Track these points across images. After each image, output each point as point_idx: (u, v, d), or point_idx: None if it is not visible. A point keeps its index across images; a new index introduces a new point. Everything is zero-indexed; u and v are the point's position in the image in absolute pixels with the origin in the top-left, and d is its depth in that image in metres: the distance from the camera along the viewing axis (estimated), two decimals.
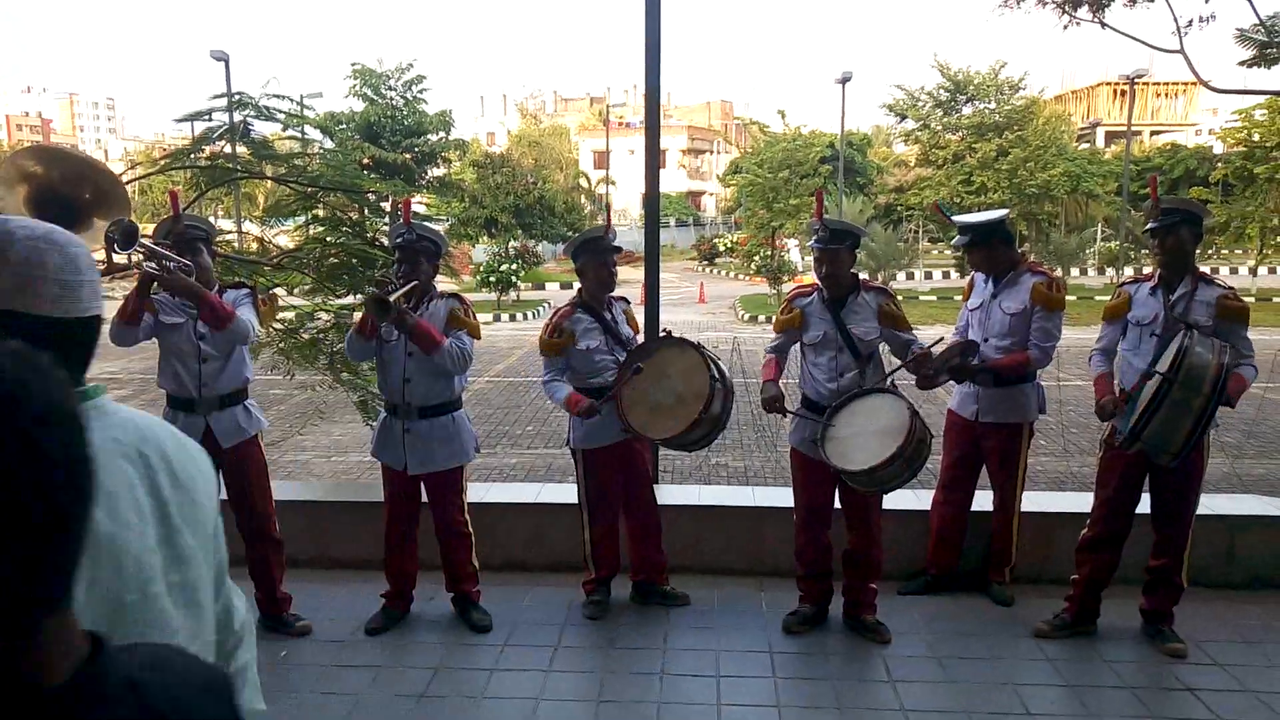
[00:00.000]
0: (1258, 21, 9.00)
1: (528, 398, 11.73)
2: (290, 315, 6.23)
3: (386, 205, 6.37)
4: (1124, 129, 33.54)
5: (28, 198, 4.33)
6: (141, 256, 3.78)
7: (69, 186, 4.51)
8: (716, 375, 4.07)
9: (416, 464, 4.13)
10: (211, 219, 4.96)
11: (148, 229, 4.56)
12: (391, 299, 3.81)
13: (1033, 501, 4.72)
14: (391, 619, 4.28)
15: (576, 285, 4.45)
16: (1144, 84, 46.09)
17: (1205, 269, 4.63)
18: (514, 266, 24.46)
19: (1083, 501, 4.41)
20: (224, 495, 4.17)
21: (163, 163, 7.67)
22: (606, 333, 4.32)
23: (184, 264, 3.87)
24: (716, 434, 4.21)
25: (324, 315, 6.25)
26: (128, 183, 8.86)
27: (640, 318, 4.73)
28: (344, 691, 3.70)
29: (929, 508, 4.71)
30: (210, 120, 6.90)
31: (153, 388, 13.47)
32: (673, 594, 4.52)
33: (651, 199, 5.28)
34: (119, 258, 4.34)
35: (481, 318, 25.03)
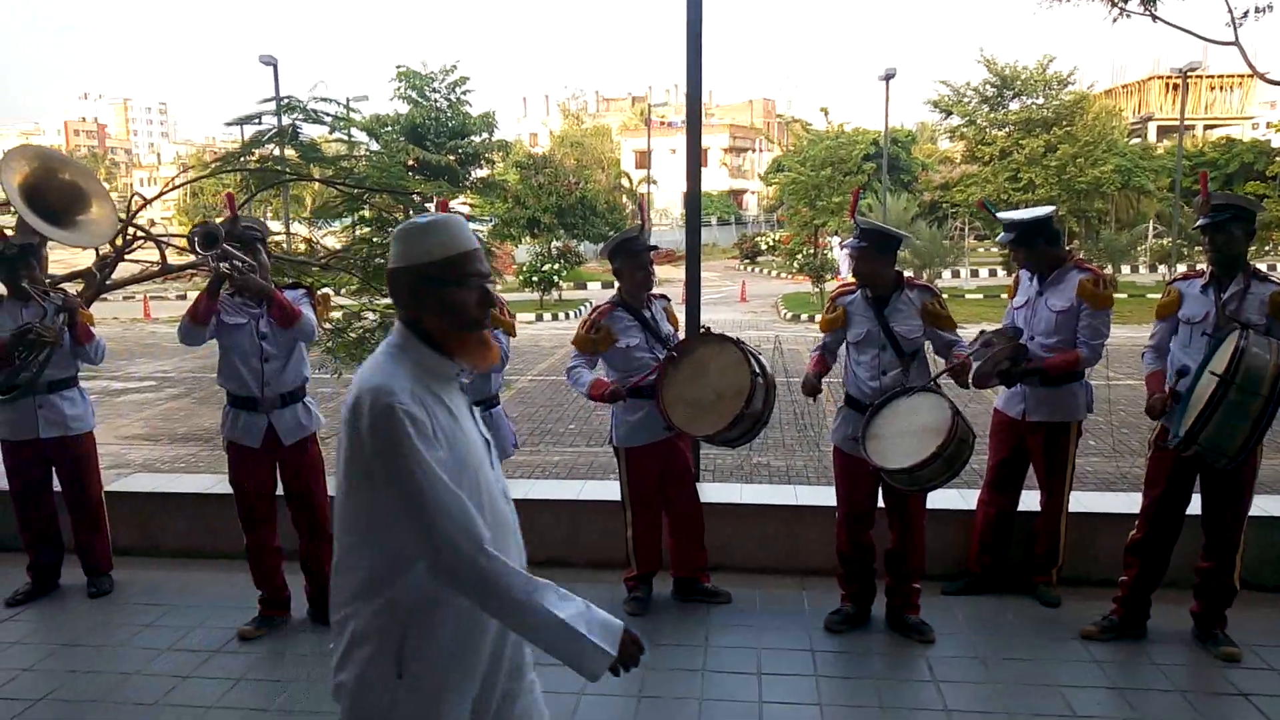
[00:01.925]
0: None
1: (569, 396, 11.79)
2: (337, 315, 6.34)
3: (431, 206, 6.45)
4: (1177, 123, 32.77)
5: (23, 195, 4.50)
6: (218, 257, 3.89)
7: (55, 188, 4.67)
8: (757, 370, 4.07)
9: None
10: (262, 220, 5.08)
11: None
12: None
13: (1080, 502, 4.65)
14: None
15: (617, 284, 4.48)
16: (1197, 77, 44.98)
17: (1262, 266, 4.53)
18: (556, 266, 24.56)
19: (1131, 502, 4.34)
20: (280, 491, 4.27)
21: (214, 166, 7.85)
22: (646, 330, 4.34)
23: (251, 264, 3.98)
24: (759, 430, 4.21)
25: (370, 315, 6.36)
26: (181, 186, 9.09)
27: (681, 316, 4.75)
28: None
29: (974, 507, 4.67)
30: (260, 123, 7.06)
31: (204, 386, 13.77)
32: (714, 591, 4.53)
33: (693, 198, 5.29)
34: (175, 259, 4.48)
35: (524, 317, 25.09)
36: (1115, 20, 9.26)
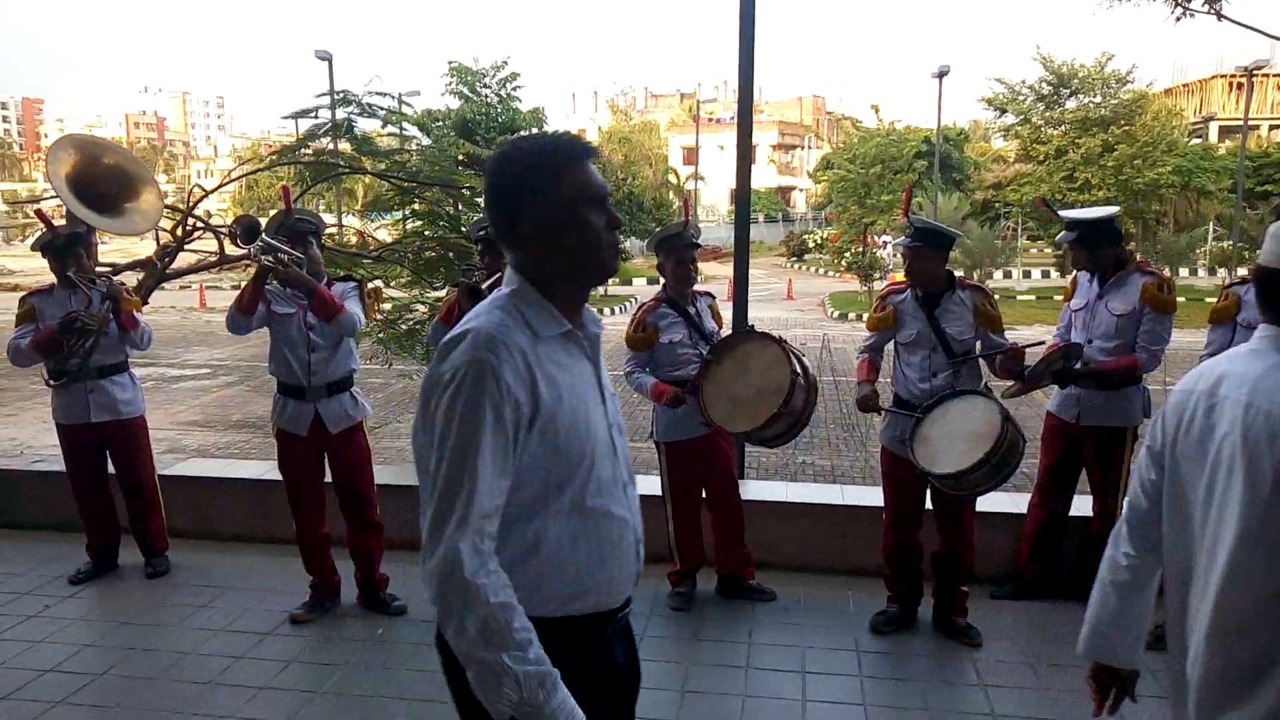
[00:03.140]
0: None
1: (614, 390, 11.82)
2: (388, 307, 6.43)
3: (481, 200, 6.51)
4: (1240, 123, 31.91)
5: (72, 185, 4.61)
6: (258, 249, 3.96)
7: (104, 177, 4.78)
8: (798, 370, 4.06)
9: None
10: (316, 213, 5.17)
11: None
12: (483, 288, 3.92)
13: None
14: None
15: (661, 280, 4.50)
16: (1263, 76, 43.71)
17: None
18: None
19: None
20: (329, 478, 4.35)
21: (270, 159, 8.00)
22: (690, 326, 4.35)
23: (296, 256, 4.06)
24: (798, 430, 4.18)
25: (421, 307, 6.44)
26: (239, 178, 9.27)
27: (727, 314, 4.74)
28: (436, 669, 3.80)
29: (1024, 511, 4.60)
30: (316, 117, 7.18)
31: (258, 373, 14.06)
32: (758, 589, 4.52)
33: (742, 195, 5.27)
34: (232, 249, 4.58)
35: None
36: (1179, 20, 9.03)
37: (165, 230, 6.41)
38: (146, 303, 5.90)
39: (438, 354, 1.64)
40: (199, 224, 6.47)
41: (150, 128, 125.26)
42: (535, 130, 26.76)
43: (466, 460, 1.52)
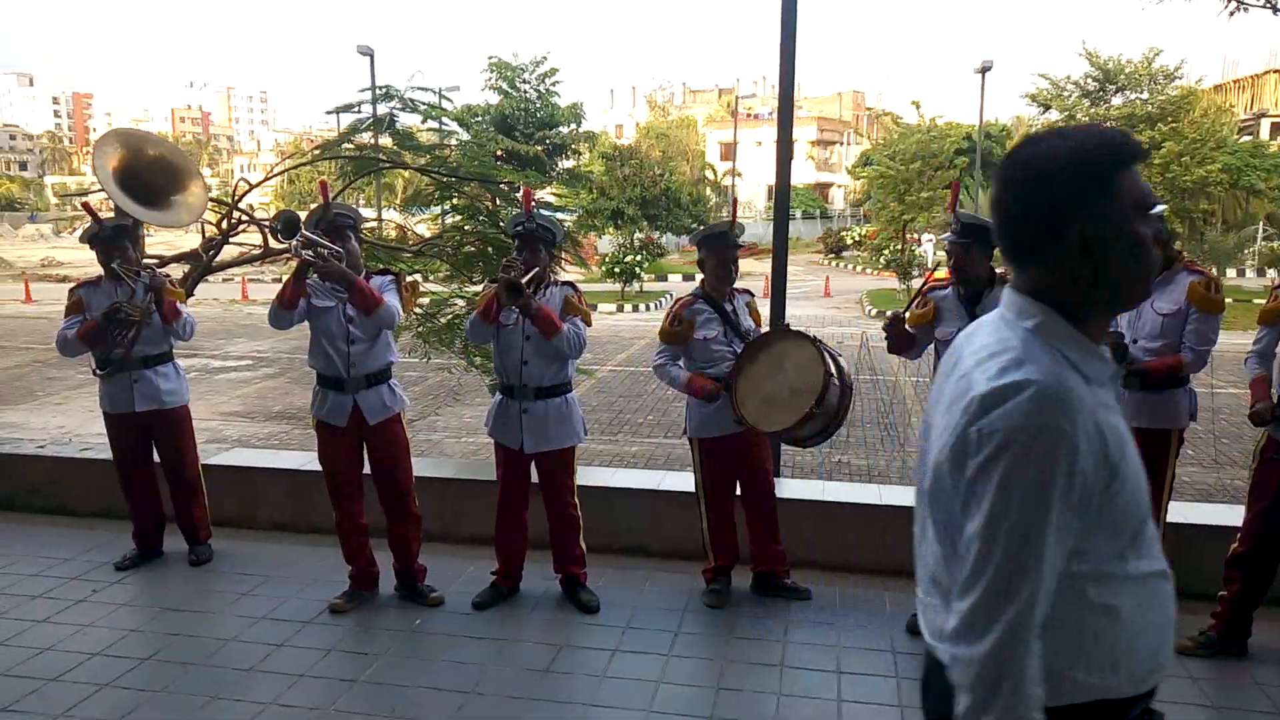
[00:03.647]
0: None
1: (649, 387, 11.84)
2: (427, 301, 6.48)
3: (521, 196, 6.54)
4: None
5: (118, 178, 4.69)
6: (299, 244, 4.01)
7: (149, 170, 4.86)
8: (833, 370, 4.04)
9: (532, 443, 4.25)
10: (354, 207, 5.22)
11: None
12: (522, 283, 3.95)
13: (1179, 512, 4.49)
14: (499, 595, 4.42)
15: (699, 276, 4.49)
16: None
17: None
18: (638, 258, 24.66)
19: (1233, 514, 4.17)
20: (367, 470, 4.40)
21: (313, 154, 8.09)
22: (725, 324, 4.34)
23: (335, 251, 4.10)
24: (833, 431, 4.17)
25: (459, 301, 6.48)
26: (283, 172, 9.39)
27: (765, 310, 4.72)
28: (472, 661, 3.86)
29: None
30: (358, 112, 7.24)
31: (298, 366, 14.24)
32: (794, 587, 4.50)
33: (781, 191, 5.25)
34: (280, 245, 4.64)
35: (605, 308, 25.21)
36: (1232, 14, 8.80)
37: (210, 223, 6.51)
38: (192, 294, 6.00)
39: (981, 404, 1.36)
40: (244, 217, 6.57)
41: (195, 122, 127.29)
42: (573, 126, 26.78)
43: (1029, 545, 1.31)
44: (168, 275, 4.91)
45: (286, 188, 46.94)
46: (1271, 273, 28.68)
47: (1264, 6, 8.43)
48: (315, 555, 4.94)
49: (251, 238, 6.81)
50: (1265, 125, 45.35)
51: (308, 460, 5.49)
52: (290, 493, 5.44)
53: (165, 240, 25.64)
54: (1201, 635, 3.96)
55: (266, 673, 3.76)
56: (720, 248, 4.35)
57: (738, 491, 4.54)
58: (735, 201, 4.74)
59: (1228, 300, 4.60)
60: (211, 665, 3.82)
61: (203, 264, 6.44)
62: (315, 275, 4.13)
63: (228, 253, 6.78)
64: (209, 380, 12.93)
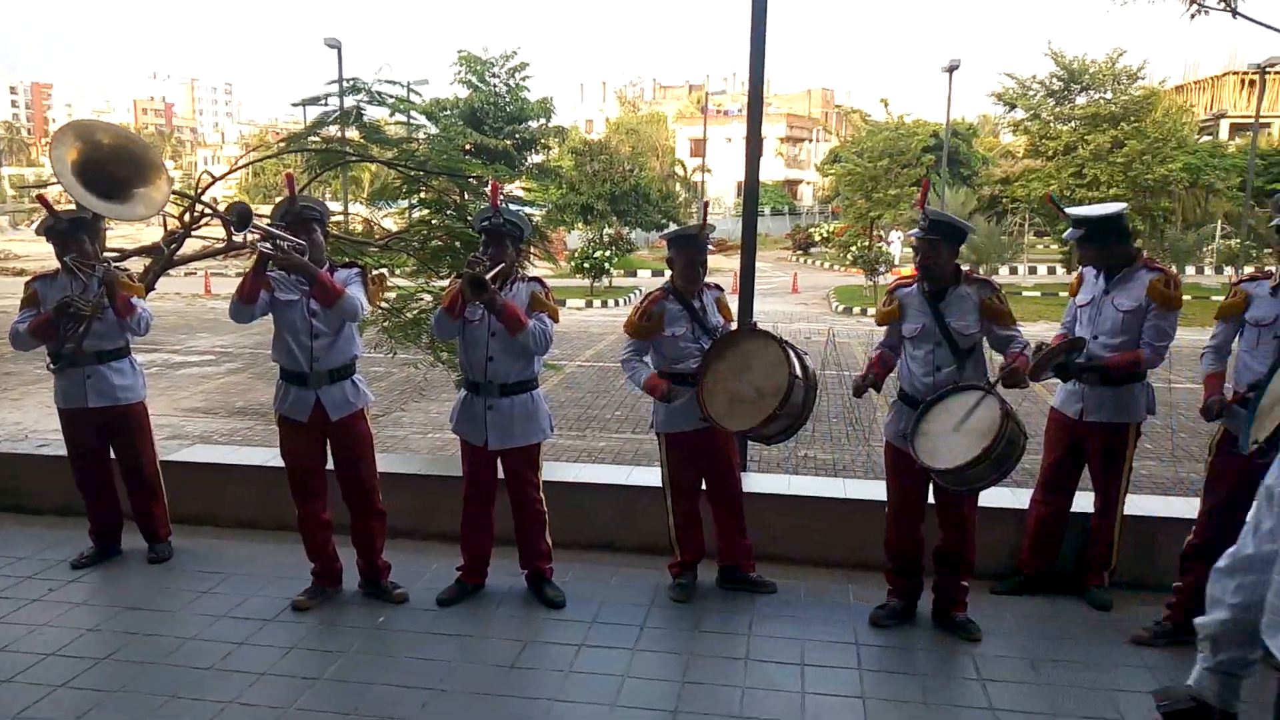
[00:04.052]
0: None
1: (617, 383, 11.84)
2: (394, 295, 6.43)
3: (489, 190, 6.51)
4: (1252, 120, 31.74)
5: (76, 171, 4.60)
6: (257, 237, 3.96)
7: (112, 161, 4.77)
8: (798, 372, 4.05)
9: (497, 440, 4.23)
10: (322, 200, 5.16)
11: (263, 210, 4.78)
12: (487, 279, 3.92)
13: (1137, 505, 4.57)
14: (464, 592, 4.40)
15: (669, 272, 4.50)
16: (1275, 73, 43.39)
17: None
18: (607, 253, 24.64)
19: (1189, 507, 4.25)
20: (331, 466, 4.36)
21: (279, 146, 8.00)
22: (693, 320, 4.35)
23: (298, 243, 4.05)
24: (796, 429, 4.21)
25: (426, 296, 6.43)
26: (247, 165, 9.27)
27: (733, 306, 4.74)
28: (437, 658, 3.84)
29: (1026, 506, 4.60)
30: (325, 105, 7.17)
31: (262, 361, 14.09)
32: (759, 581, 4.53)
33: (750, 189, 5.26)
34: (236, 237, 4.57)
35: (574, 303, 25.19)
36: (1193, 18, 8.93)
37: (173, 217, 6.41)
38: (153, 289, 5.91)
39: None
40: (207, 210, 6.47)
41: (158, 114, 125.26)
42: (542, 121, 26.75)
43: None
44: (125, 269, 4.82)
45: (251, 181, 46.40)
46: (1229, 270, 29.24)
47: (1223, 9, 8.57)
48: (279, 552, 4.89)
49: (215, 231, 6.70)
50: (1224, 126, 46.14)
51: (272, 456, 5.42)
52: (254, 489, 5.38)
53: (127, 234, 25.23)
54: (1157, 625, 4.03)
55: (227, 671, 3.71)
56: (689, 249, 4.36)
57: (704, 486, 4.55)
58: (706, 205, 4.74)
59: (1187, 297, 4.69)
60: (170, 664, 3.77)
61: (164, 258, 6.34)
62: (278, 268, 4.08)
63: (190, 246, 6.67)
64: (171, 375, 12.75)
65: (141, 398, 4.86)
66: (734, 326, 4.55)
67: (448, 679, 3.67)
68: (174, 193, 6.01)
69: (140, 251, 6.59)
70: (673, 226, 5.14)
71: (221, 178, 7.00)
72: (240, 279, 4.06)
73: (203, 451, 6.11)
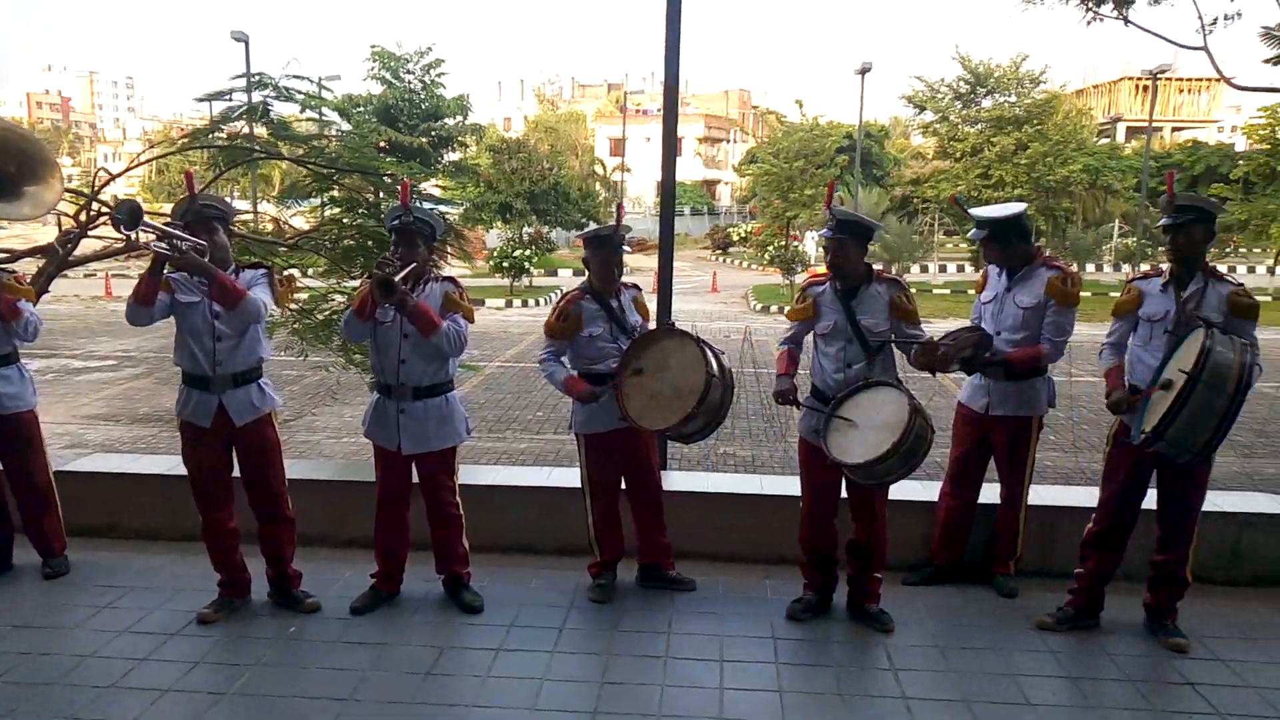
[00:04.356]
0: None
1: (538, 383, 11.76)
2: (305, 296, 6.27)
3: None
4: (1145, 124, 33.22)
5: None
6: (152, 237, 3.81)
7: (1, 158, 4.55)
8: (715, 371, 4.09)
9: (410, 444, 4.16)
10: (227, 199, 4.99)
11: (164, 209, 4.60)
12: (395, 280, 3.84)
13: (1039, 495, 4.73)
14: (378, 599, 4.32)
15: (587, 272, 4.48)
16: (1167, 80, 45.52)
17: (1223, 267, 4.61)
18: (527, 253, 24.48)
19: (1089, 496, 4.41)
20: (237, 473, 4.23)
21: (181, 142, 7.72)
22: (611, 320, 4.35)
23: (197, 243, 3.91)
24: (714, 427, 4.25)
25: (338, 297, 6.29)
26: (147, 162, 8.94)
27: (652, 306, 4.75)
28: (351, 667, 3.75)
29: (936, 499, 4.72)
30: (230, 100, 6.95)
31: (166, 365, 13.57)
32: (678, 579, 4.55)
33: (667, 188, 5.28)
34: (134, 237, 4.38)
35: (493, 303, 24.94)
36: (1089, 24, 9.34)
37: (68, 216, 6.14)
38: (46, 291, 5.65)
39: None
40: (104, 209, 6.21)
41: (54, 108, 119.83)
42: (459, 118, 26.40)
43: None
44: (12, 271, 4.60)
45: (155, 179, 44.75)
46: (1127, 267, 30.53)
47: (1116, 17, 8.96)
48: (183, 563, 4.72)
49: (114, 231, 6.44)
50: (1121, 129, 48.20)
51: (175, 464, 5.23)
52: (156, 499, 5.18)
53: (21, 234, 24.10)
54: (1060, 611, 4.18)
55: (128, 689, 3.57)
56: (604, 249, 4.35)
57: (624, 485, 4.55)
58: (620, 207, 4.73)
59: (1087, 294, 4.85)
60: (67, 684, 3.60)
61: (59, 258, 6.05)
62: (175, 269, 3.93)
63: (89, 246, 6.40)
64: (69, 382, 12.21)
65: (31, 406, 4.63)
66: (652, 325, 4.56)
67: (361, 688, 3.59)
68: (70, 191, 5.76)
69: (33, 252, 6.28)
70: (592, 226, 5.12)
71: (119, 175, 6.73)
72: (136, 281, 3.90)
73: (101, 460, 5.85)
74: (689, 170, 57.76)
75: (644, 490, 4.51)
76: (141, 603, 4.32)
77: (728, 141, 65.74)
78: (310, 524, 4.60)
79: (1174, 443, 3.58)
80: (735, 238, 42.68)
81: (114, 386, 12.00)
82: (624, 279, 4.52)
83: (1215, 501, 4.48)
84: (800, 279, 20.85)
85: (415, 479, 4.31)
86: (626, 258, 4.48)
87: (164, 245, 3.81)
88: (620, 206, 4.75)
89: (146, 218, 3.78)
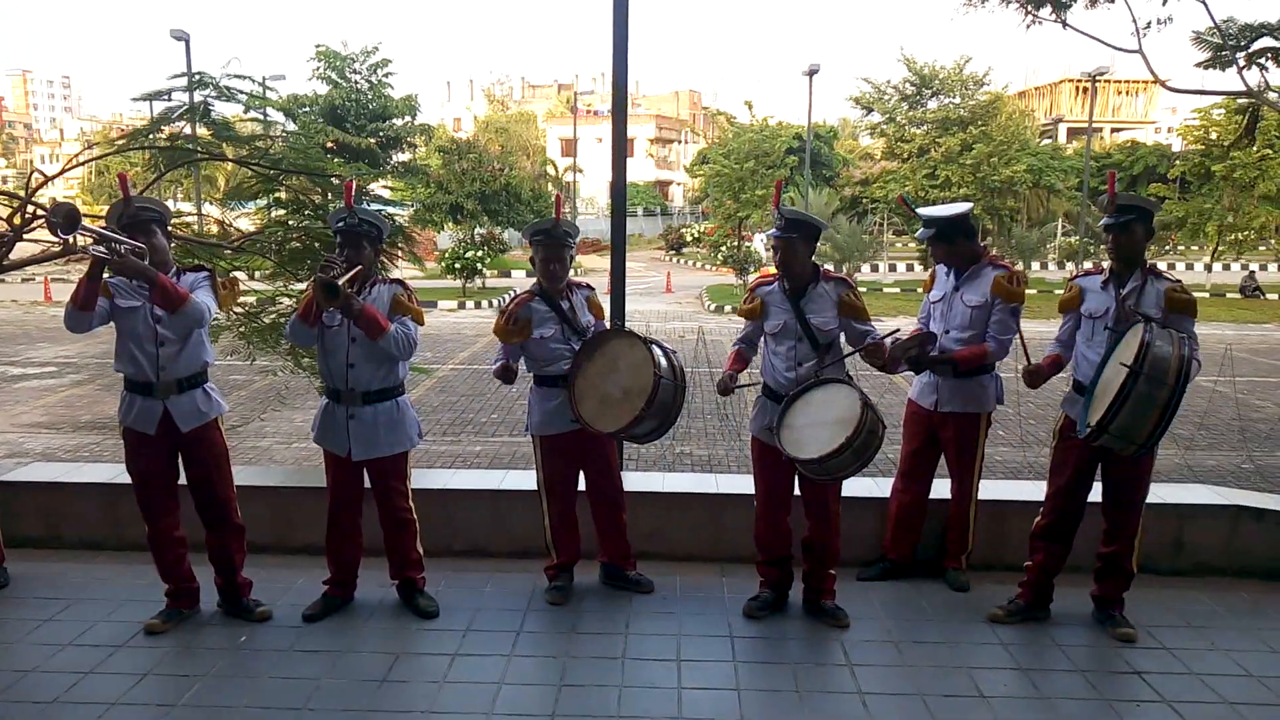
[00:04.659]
0: (1213, 25, 9.18)
1: (491, 386, 11.69)
2: (251, 299, 6.15)
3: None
4: (1086, 125, 33.98)
5: None
6: (90, 241, 3.70)
7: None
8: (663, 371, 4.08)
9: (361, 450, 4.11)
10: (170, 201, 4.89)
11: (100, 211, 4.48)
12: (339, 283, 3.77)
13: (989, 490, 4.80)
14: (331, 606, 4.26)
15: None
16: (1105, 82, 46.73)
17: (1162, 264, 4.71)
18: (479, 254, 24.31)
19: (1037, 490, 4.50)
20: (183, 480, 4.13)
21: (120, 143, 7.54)
22: (563, 321, 4.32)
23: (136, 246, 3.81)
24: (666, 428, 4.25)
25: (285, 300, 6.18)
26: (84, 163, 8.70)
27: (606, 306, 4.72)
28: (304, 676, 3.69)
29: (888, 495, 4.77)
30: (170, 100, 6.79)
31: (109, 372, 13.24)
32: (637, 581, 4.54)
33: (618, 188, 5.28)
34: (71, 241, 4.26)
35: (445, 305, 24.71)
36: (1029, 27, 9.57)
37: (2, 220, 5.96)
38: None
39: None
40: (40, 212, 6.03)
41: None
42: (408, 118, 26.13)
43: None
44: None
45: (95, 180, 43.64)
46: (1070, 265, 31.21)
47: (1055, 20, 9.17)
48: (129, 574, 4.60)
49: (51, 235, 6.26)
50: (1063, 130, 49.27)
51: (118, 472, 5.11)
52: (99, 508, 5.05)
53: None
54: (1010, 604, 4.25)
55: (72, 704, 3.47)
56: (546, 244, 4.28)
57: (581, 487, 4.54)
58: (559, 198, 4.65)
59: (1032, 292, 4.93)
60: (8, 700, 3.49)
61: None
62: (114, 273, 3.83)
63: (24, 250, 6.21)
64: (8, 389, 11.86)
65: None
66: (606, 325, 4.54)
67: (315, 698, 3.53)
68: (3, 193, 5.59)
69: None
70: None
71: (54, 177, 6.54)
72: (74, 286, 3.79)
73: (40, 470, 5.69)
74: (641, 171, 57.84)
75: (603, 492, 4.49)
76: (86, 615, 4.20)
77: (679, 142, 65.94)
78: (260, 531, 4.51)
79: (1118, 436, 3.66)
80: (689, 238, 42.84)
81: (55, 394, 11.68)
82: (577, 279, 4.49)
83: (1158, 494, 4.59)
84: (752, 279, 21.00)
85: (367, 484, 4.25)
86: (581, 259, 4.46)
87: (102, 249, 3.71)
88: (559, 198, 4.67)
89: (85, 221, 3.68)
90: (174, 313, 3.85)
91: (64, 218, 3.64)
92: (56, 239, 3.85)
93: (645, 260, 38.49)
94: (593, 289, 4.58)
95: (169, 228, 4.15)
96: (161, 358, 3.92)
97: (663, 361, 4.11)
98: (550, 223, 4.31)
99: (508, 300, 4.44)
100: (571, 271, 4.46)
